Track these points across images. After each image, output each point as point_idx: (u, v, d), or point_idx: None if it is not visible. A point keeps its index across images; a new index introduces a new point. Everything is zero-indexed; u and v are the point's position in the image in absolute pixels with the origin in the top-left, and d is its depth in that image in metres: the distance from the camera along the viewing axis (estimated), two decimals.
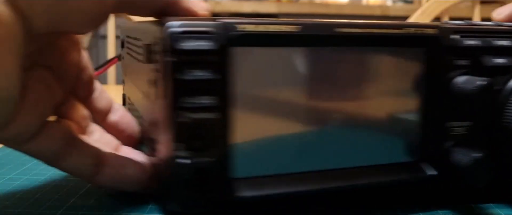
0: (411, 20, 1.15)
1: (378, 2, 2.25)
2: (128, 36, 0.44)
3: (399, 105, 0.30)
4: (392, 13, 2.11)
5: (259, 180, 0.27)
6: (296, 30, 0.26)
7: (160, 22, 0.26)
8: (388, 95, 0.29)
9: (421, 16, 1.13)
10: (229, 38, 0.25)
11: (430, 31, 0.29)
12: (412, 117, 0.30)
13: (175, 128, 0.25)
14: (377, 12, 2.10)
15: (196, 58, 0.24)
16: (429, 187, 0.30)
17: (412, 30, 0.28)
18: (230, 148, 0.26)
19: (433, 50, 0.29)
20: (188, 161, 0.25)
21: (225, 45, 0.25)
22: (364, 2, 2.27)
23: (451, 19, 1.19)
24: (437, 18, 1.16)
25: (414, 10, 1.19)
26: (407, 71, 0.29)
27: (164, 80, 0.25)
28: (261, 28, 0.26)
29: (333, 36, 0.27)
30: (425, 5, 1.15)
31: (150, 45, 0.28)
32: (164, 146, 0.26)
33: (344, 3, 2.20)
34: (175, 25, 0.24)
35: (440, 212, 0.30)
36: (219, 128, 0.25)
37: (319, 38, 0.27)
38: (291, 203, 0.28)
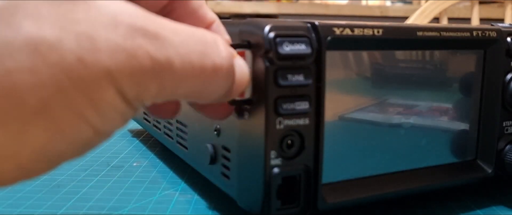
0: (410, 20, 1.15)
1: (377, 3, 2.25)
2: None
3: (458, 105, 0.31)
4: (391, 13, 2.11)
5: (345, 184, 0.27)
6: (384, 35, 0.26)
7: (245, 24, 0.25)
8: (448, 96, 0.31)
9: (420, 16, 1.13)
10: (326, 42, 0.24)
11: (490, 34, 0.30)
12: (470, 116, 0.31)
13: (271, 135, 0.24)
14: (377, 13, 2.10)
15: (295, 63, 0.24)
16: (485, 185, 0.32)
17: (474, 32, 0.29)
18: (321, 153, 0.25)
19: (492, 52, 0.30)
20: (282, 168, 0.24)
21: (321, 49, 0.24)
22: (363, 3, 2.27)
23: (450, 19, 1.20)
24: (436, 19, 1.16)
25: (413, 11, 1.19)
26: (466, 72, 0.31)
27: (261, 86, 0.24)
28: (357, 31, 0.25)
29: (414, 40, 0.28)
30: (424, 5, 1.15)
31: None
32: (256, 153, 0.25)
33: (344, 3, 2.21)
34: (273, 28, 0.23)
35: (495, 207, 0.31)
36: (313, 134, 0.25)
37: (403, 42, 0.28)
38: (373, 205, 0.29)
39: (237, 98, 0.24)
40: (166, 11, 0.23)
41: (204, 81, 0.19)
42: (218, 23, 0.24)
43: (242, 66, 0.22)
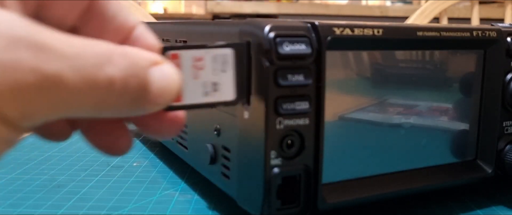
0: (410, 20, 1.15)
1: (377, 3, 2.25)
2: None
3: (458, 105, 0.31)
4: (391, 13, 2.11)
5: (345, 184, 0.27)
6: (384, 35, 0.26)
7: (245, 24, 0.25)
8: (448, 96, 0.31)
9: (420, 16, 1.13)
10: (326, 41, 0.24)
11: (490, 34, 0.30)
12: (470, 116, 0.31)
13: (271, 135, 0.24)
14: (377, 13, 2.11)
15: (295, 63, 0.23)
16: (485, 185, 0.32)
17: (474, 32, 0.29)
18: (321, 153, 0.25)
19: (492, 52, 0.30)
20: (282, 168, 0.24)
21: (321, 49, 0.24)
22: (363, 3, 2.27)
23: (450, 19, 1.20)
24: (436, 19, 1.16)
25: (413, 11, 1.19)
26: (466, 72, 0.31)
27: (261, 86, 0.24)
28: (357, 31, 0.25)
29: (414, 40, 0.28)
30: (424, 5, 1.15)
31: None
32: (256, 153, 0.24)
33: (344, 3, 2.21)
34: (273, 28, 0.23)
35: (495, 207, 0.31)
36: (313, 134, 0.25)
37: (403, 42, 0.28)
38: (373, 205, 0.29)
39: (174, 103, 0.21)
40: (85, 20, 0.22)
41: (100, 95, 0.18)
42: (142, 28, 0.22)
43: (167, 74, 0.20)
